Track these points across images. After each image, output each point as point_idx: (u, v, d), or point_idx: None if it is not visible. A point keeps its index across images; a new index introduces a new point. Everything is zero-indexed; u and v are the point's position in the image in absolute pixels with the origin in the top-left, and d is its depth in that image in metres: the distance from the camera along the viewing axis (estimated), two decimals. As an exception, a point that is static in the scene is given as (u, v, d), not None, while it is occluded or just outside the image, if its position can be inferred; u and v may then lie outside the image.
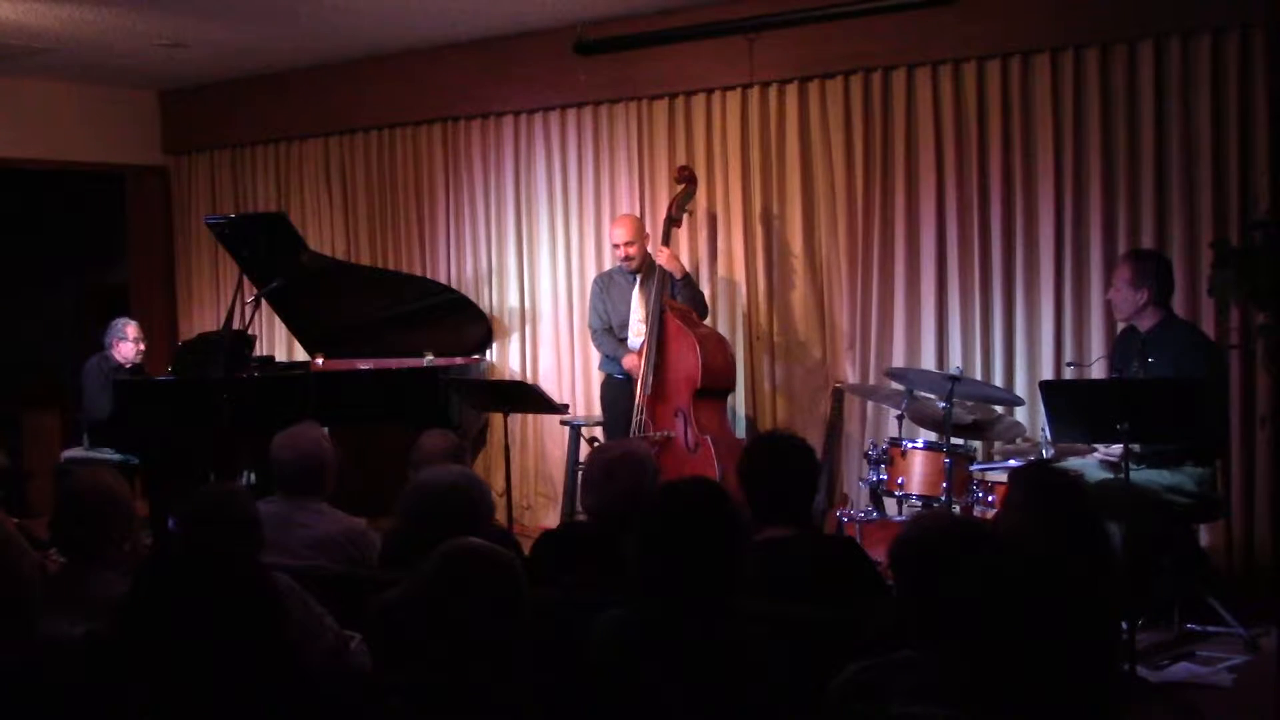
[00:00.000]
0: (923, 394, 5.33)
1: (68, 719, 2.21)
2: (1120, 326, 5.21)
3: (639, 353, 6.01)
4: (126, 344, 7.29)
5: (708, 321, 6.37)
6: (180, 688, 1.83)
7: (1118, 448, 4.51)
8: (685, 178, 6.19)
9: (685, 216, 6.25)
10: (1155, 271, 4.91)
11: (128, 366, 7.27)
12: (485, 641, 2.09)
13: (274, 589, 1.95)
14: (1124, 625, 4.15)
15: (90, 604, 2.84)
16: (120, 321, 7.39)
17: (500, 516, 5.23)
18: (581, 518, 4.23)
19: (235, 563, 1.94)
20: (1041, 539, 2.97)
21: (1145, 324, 4.91)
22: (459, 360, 7.01)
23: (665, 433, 5.87)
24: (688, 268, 6.38)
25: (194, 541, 3.10)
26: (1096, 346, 5.52)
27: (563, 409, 6.35)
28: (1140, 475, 4.64)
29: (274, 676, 1.88)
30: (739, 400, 6.51)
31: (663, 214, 6.23)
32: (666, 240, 6.10)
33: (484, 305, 7.33)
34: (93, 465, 6.58)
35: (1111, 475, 4.67)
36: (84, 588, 2.97)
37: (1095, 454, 4.93)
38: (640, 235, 6.25)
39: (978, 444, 5.61)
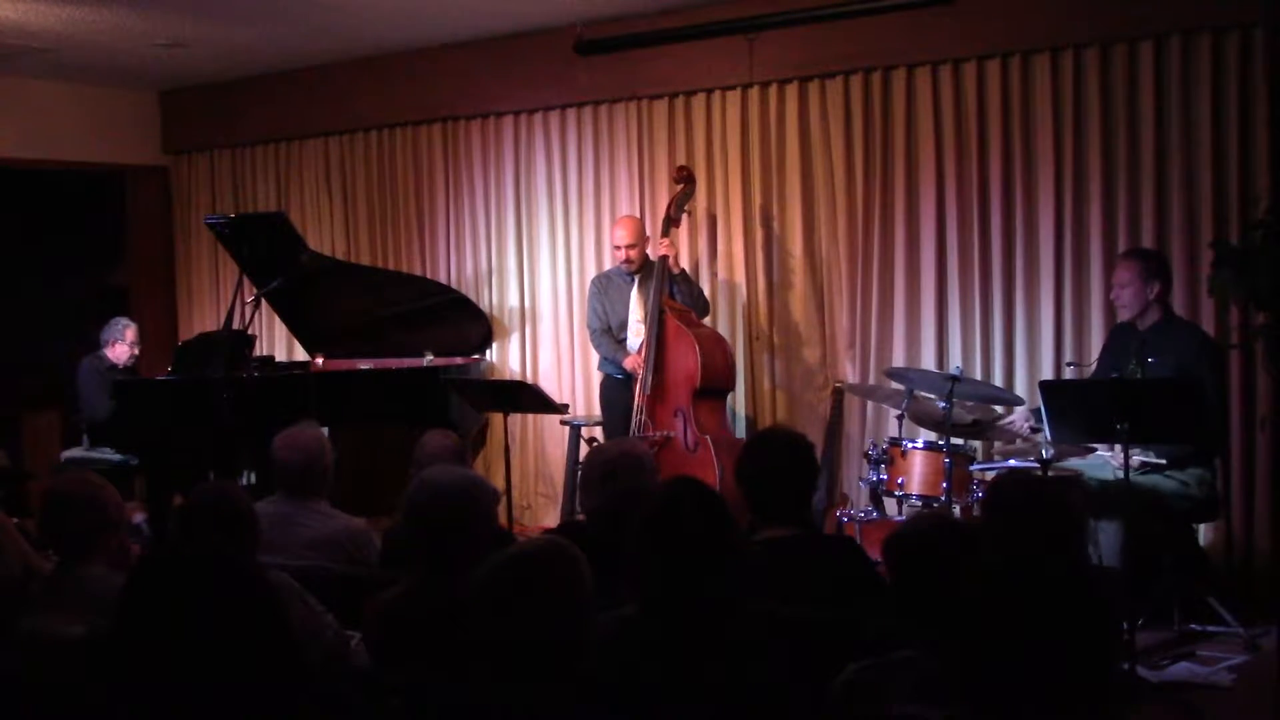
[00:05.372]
0: (923, 394, 5.33)
1: (67, 719, 2.21)
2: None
3: (639, 352, 6.01)
4: (122, 345, 7.28)
5: (708, 320, 6.38)
6: (174, 688, 1.82)
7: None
8: (683, 178, 6.19)
9: (684, 217, 6.26)
10: (1163, 268, 4.93)
11: (120, 367, 7.27)
12: (555, 641, 2.10)
13: (270, 589, 1.94)
14: (1124, 625, 4.15)
15: (85, 601, 2.84)
16: (120, 322, 7.39)
17: (500, 516, 5.23)
18: (581, 518, 4.22)
19: (229, 562, 1.92)
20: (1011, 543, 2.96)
21: (1145, 321, 4.91)
22: (459, 360, 7.01)
23: (665, 433, 5.87)
24: (687, 268, 6.38)
25: (190, 540, 3.10)
26: (1096, 346, 5.51)
27: (563, 409, 6.35)
28: (1143, 476, 4.64)
29: (269, 677, 1.86)
30: (739, 400, 6.51)
31: (662, 214, 6.22)
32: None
33: (484, 305, 7.33)
34: (90, 466, 6.58)
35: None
36: (77, 585, 2.98)
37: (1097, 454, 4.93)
38: (641, 238, 6.25)
39: (978, 444, 5.61)
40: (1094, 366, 5.28)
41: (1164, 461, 4.67)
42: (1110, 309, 5.36)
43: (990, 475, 5.18)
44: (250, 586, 1.89)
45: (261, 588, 1.91)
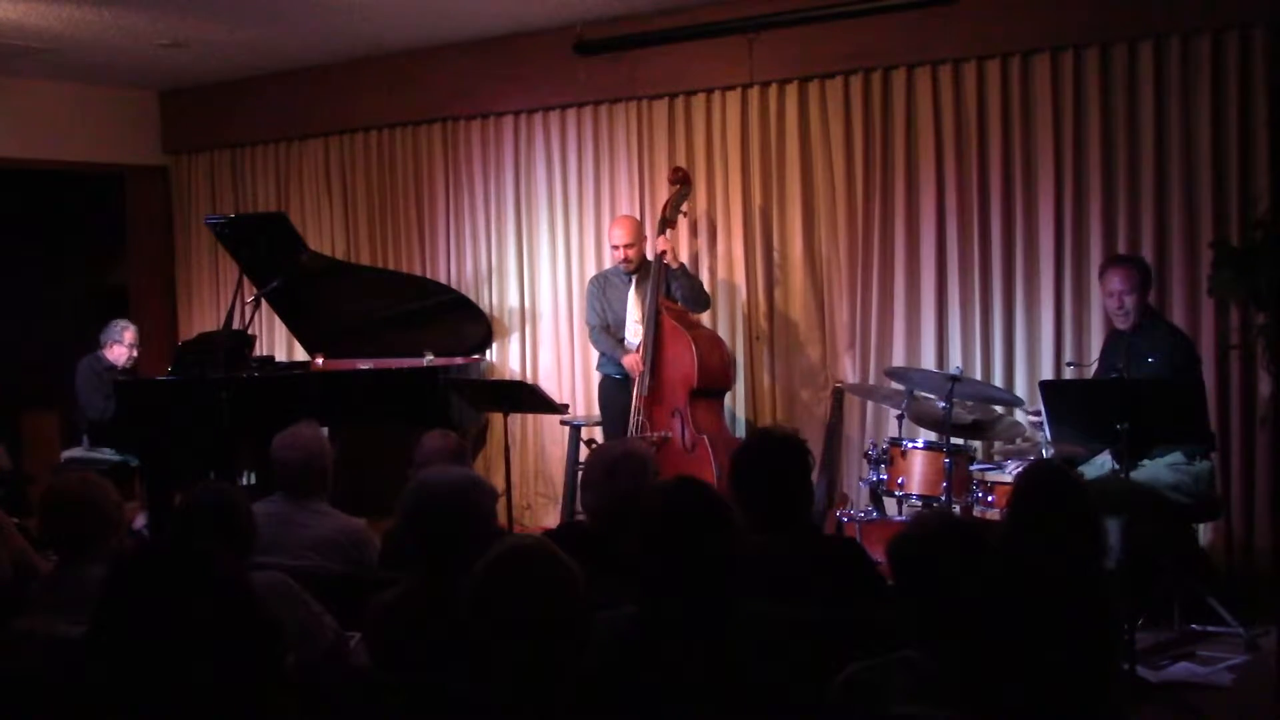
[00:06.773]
0: (923, 394, 5.33)
1: (67, 718, 2.20)
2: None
3: (638, 351, 6.02)
4: (120, 347, 7.27)
5: (708, 316, 6.38)
6: (145, 686, 1.80)
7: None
8: (679, 179, 6.20)
9: (680, 218, 6.25)
10: (1151, 274, 4.96)
11: (119, 368, 7.26)
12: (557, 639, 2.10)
13: (248, 589, 1.91)
14: (1124, 625, 4.15)
15: (85, 601, 2.84)
16: (120, 324, 7.38)
17: (500, 516, 5.23)
18: (581, 518, 4.22)
19: (205, 561, 1.90)
20: (1036, 537, 2.97)
21: (1129, 323, 4.94)
22: (459, 360, 7.00)
23: (663, 433, 5.87)
24: (686, 268, 6.37)
25: (180, 539, 3.09)
26: (1096, 346, 5.52)
27: (563, 409, 6.34)
28: (1142, 473, 4.63)
29: (241, 676, 1.84)
30: (739, 400, 6.51)
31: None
32: (662, 242, 6.11)
33: (484, 305, 7.33)
34: (90, 466, 6.58)
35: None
36: (77, 585, 2.97)
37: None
38: (639, 237, 6.25)
39: (978, 444, 5.61)
40: (1094, 368, 5.29)
41: None
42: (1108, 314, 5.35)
43: (989, 475, 5.20)
44: (227, 585, 1.87)
45: (239, 587, 1.88)
